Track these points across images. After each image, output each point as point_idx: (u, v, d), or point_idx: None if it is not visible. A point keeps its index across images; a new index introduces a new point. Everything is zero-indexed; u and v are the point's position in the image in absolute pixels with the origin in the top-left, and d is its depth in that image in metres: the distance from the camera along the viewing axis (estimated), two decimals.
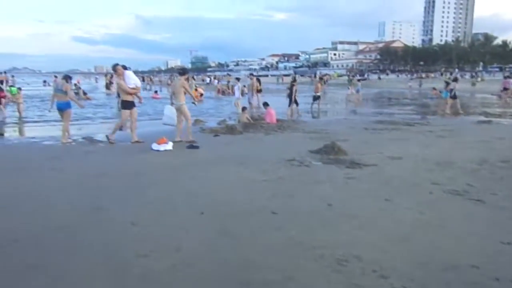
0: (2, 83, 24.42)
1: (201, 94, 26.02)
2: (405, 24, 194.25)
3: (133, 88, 9.49)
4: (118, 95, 20.30)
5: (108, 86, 33.96)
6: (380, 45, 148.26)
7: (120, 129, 10.12)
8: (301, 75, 77.32)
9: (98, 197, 5.27)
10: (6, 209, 4.83)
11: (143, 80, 49.36)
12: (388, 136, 10.70)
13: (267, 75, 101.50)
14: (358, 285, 3.05)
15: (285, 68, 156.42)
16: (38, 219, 4.47)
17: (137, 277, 3.19)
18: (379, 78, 73.07)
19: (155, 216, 4.55)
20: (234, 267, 3.36)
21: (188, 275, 3.23)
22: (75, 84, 28.70)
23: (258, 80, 23.74)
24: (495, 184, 5.88)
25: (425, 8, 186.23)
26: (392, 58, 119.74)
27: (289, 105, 16.77)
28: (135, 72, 11.56)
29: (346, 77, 75.06)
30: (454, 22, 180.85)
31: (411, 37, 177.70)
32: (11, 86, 26.89)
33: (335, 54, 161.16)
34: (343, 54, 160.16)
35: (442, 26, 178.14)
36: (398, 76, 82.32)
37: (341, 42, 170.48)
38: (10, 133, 12.40)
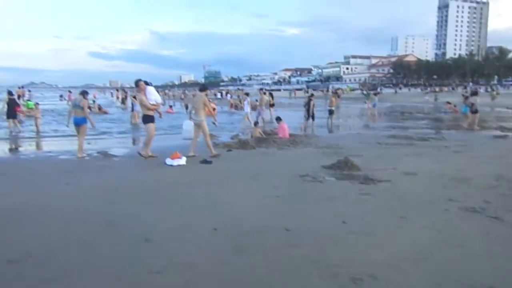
0: (19, 98, 24.95)
1: (214, 109, 26.16)
2: (418, 38, 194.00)
3: (153, 105, 9.61)
4: (132, 109, 20.72)
5: (123, 101, 34.45)
6: (393, 59, 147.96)
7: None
8: (314, 89, 77.19)
9: (112, 211, 5.31)
10: (20, 223, 4.89)
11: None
12: (402, 151, 10.59)
13: (279, 90, 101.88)
14: None
15: (297, 82, 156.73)
16: (51, 233, 4.51)
17: None
18: (396, 92, 72.70)
19: (169, 232, 4.55)
20: (247, 286, 3.33)
21: None
22: (94, 101, 29.25)
23: (271, 95, 23.91)
24: None
25: (438, 22, 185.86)
26: (405, 72, 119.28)
27: (307, 119, 16.79)
28: None
29: (360, 91, 75.12)
30: (467, 36, 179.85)
31: (424, 51, 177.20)
32: (28, 100, 27.59)
33: (347, 68, 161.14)
34: (355, 68, 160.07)
35: (456, 40, 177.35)
36: (409, 90, 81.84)
37: (354, 56, 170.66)
38: (27, 147, 12.62)
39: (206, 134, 9.79)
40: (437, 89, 70.93)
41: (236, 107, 32.00)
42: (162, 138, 13.65)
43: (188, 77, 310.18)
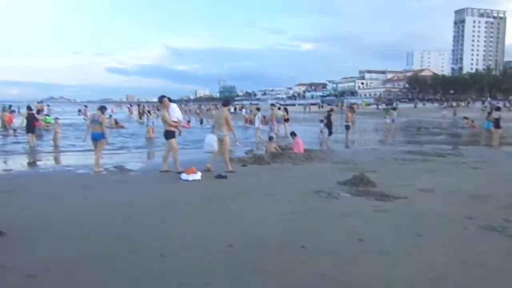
0: (38, 113, 25.52)
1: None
2: (433, 53, 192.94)
3: (175, 122, 9.71)
4: (147, 124, 20.97)
5: (140, 115, 34.95)
6: (409, 74, 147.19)
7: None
8: (328, 104, 77.22)
9: (128, 227, 5.35)
10: (39, 237, 4.95)
11: None
12: (419, 167, 10.45)
13: (294, 104, 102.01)
14: None
15: (312, 97, 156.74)
16: (69, 248, 4.56)
17: None
18: (415, 106, 72.08)
19: (184, 248, 4.56)
20: None
21: None
22: (110, 115, 29.72)
23: (286, 110, 23.95)
24: None
25: (454, 36, 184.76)
26: (421, 86, 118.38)
27: (329, 134, 16.82)
28: None
29: (375, 106, 74.67)
30: (484, 51, 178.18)
31: (440, 65, 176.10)
32: (46, 115, 28.21)
33: (362, 83, 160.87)
34: (370, 83, 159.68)
35: (472, 55, 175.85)
36: (423, 104, 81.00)
37: (369, 71, 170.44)
38: (45, 161, 12.86)
39: (226, 150, 9.82)
40: (453, 104, 70.11)
41: (251, 122, 32.12)
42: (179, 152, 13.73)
43: (203, 92, 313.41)
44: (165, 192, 7.65)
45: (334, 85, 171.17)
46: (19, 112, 35.06)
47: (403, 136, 22.48)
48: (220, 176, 8.97)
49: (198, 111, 58.90)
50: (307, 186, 7.82)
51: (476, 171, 9.93)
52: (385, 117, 28.46)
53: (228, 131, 9.87)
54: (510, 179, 8.74)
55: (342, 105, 73.83)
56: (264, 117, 21.74)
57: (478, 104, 60.85)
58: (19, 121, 20.78)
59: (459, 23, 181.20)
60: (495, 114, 16.94)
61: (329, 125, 16.96)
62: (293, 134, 14.49)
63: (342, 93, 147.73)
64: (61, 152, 15.01)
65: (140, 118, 34.33)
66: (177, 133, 9.88)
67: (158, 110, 18.04)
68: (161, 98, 9.83)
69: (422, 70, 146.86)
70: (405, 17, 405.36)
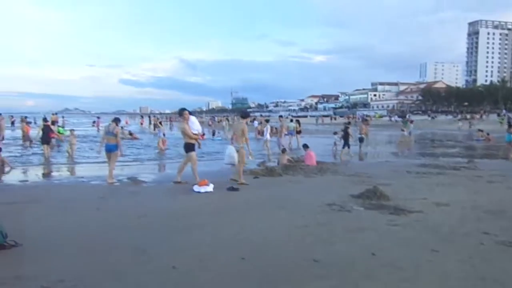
0: (53, 124, 25.91)
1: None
2: (447, 65, 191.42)
3: (195, 134, 9.79)
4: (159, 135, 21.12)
5: (155, 127, 35.28)
6: (422, 85, 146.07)
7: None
8: (341, 116, 77.09)
9: (141, 238, 5.37)
10: (53, 248, 5.00)
11: None
12: (433, 181, 10.32)
13: (306, 116, 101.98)
14: None
15: (324, 109, 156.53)
16: (82, 259, 4.59)
17: None
18: (433, 118, 71.40)
19: (196, 260, 4.55)
20: None
21: None
22: (122, 127, 30.07)
23: (298, 121, 24.01)
24: None
25: (467, 48, 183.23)
26: (435, 99, 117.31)
27: (344, 147, 16.80)
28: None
29: (388, 118, 74.15)
30: (499, 63, 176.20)
31: (454, 77, 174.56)
32: (59, 126, 28.68)
33: (375, 95, 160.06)
34: (383, 95, 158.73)
35: (487, 67, 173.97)
36: (433, 117, 80.00)
37: (381, 83, 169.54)
38: (60, 172, 13.03)
39: (242, 162, 9.84)
40: (468, 116, 69.33)
41: (262, 134, 32.13)
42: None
43: (215, 104, 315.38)
44: (177, 204, 7.68)
45: (347, 97, 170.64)
46: (35, 123, 35.68)
47: (417, 149, 22.25)
48: (232, 189, 8.98)
49: (210, 122, 59.24)
50: (319, 199, 7.77)
51: (492, 185, 9.77)
52: (402, 130, 28.08)
53: (244, 143, 9.90)
54: None
55: (354, 117, 73.53)
56: (275, 128, 21.77)
57: (493, 116, 59.98)
58: (35, 132, 21.13)
59: (473, 35, 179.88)
60: None
61: (346, 137, 16.90)
62: (305, 146, 14.48)
63: (355, 105, 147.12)
64: (76, 164, 15.19)
65: (154, 129, 34.66)
66: (196, 146, 9.94)
67: (170, 121, 18.21)
68: (181, 111, 9.91)
69: (435, 82, 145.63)
70: (418, 29, 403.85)
